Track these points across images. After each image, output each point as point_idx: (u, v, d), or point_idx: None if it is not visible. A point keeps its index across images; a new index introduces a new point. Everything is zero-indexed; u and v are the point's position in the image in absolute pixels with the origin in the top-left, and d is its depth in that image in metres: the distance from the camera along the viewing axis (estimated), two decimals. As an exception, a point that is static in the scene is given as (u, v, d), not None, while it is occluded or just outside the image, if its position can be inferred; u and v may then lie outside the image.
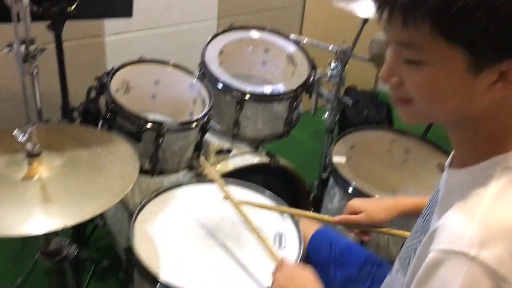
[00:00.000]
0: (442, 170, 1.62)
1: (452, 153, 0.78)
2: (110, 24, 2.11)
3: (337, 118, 1.92)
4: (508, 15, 0.57)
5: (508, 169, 0.66)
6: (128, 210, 1.55)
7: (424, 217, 0.82)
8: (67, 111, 1.59)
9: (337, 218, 1.18)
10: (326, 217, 1.22)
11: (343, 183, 1.53)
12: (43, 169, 1.00)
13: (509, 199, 0.63)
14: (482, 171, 0.67)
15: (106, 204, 0.97)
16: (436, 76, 0.64)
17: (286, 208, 1.31)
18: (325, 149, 1.98)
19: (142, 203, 1.28)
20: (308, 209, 1.79)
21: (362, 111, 2.74)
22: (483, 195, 0.64)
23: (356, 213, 1.17)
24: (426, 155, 1.70)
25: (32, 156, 1.00)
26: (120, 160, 1.09)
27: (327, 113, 1.92)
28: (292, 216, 1.30)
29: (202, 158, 1.49)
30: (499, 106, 0.66)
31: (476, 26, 0.58)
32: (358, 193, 1.49)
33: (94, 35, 2.09)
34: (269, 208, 1.32)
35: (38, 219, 0.92)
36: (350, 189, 1.51)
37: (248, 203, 1.27)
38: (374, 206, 1.17)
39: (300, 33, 2.88)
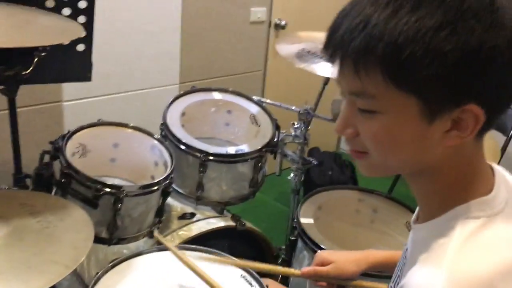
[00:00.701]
0: (409, 229, 1.61)
1: (417, 209, 0.76)
2: (69, 89, 2.07)
3: (302, 179, 1.90)
4: (457, 60, 0.56)
5: (470, 219, 0.63)
6: (84, 284, 1.43)
7: (395, 280, 0.78)
8: (19, 179, 1.49)
9: (305, 270, 1.13)
10: (293, 270, 1.17)
11: (312, 246, 1.47)
12: (-15, 240, 0.91)
13: (473, 250, 0.61)
14: (444, 223, 0.65)
15: (55, 278, 0.88)
16: (391, 125, 0.62)
17: (252, 263, 1.25)
18: (292, 210, 1.93)
19: (97, 276, 1.18)
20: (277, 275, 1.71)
21: (327, 172, 2.73)
22: (446, 247, 0.61)
23: (324, 264, 1.12)
24: (393, 214, 1.67)
25: (-28, 226, 0.91)
26: (73, 228, 1.01)
27: (292, 174, 1.90)
28: (262, 285, 1.22)
29: (155, 232, 1.42)
30: (457, 155, 0.65)
31: (425, 73, 0.57)
32: (328, 255, 1.43)
33: (51, 101, 2.04)
34: (235, 264, 1.25)
35: (-23, 298, 0.82)
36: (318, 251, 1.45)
37: (210, 259, 1.22)
38: (344, 258, 1.12)
39: (263, 97, 2.92)
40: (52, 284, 0.87)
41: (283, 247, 1.97)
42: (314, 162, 1.83)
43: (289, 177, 1.89)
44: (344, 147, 3.63)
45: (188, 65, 2.50)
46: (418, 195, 0.72)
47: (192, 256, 1.26)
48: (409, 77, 0.58)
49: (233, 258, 1.28)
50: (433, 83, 0.58)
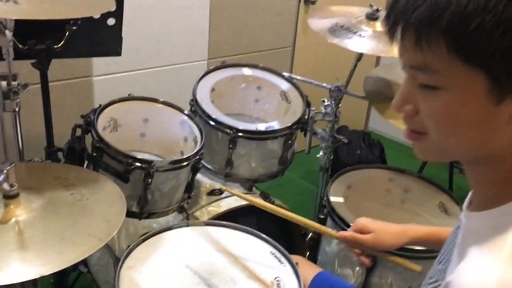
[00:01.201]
0: (443, 210, 1.57)
1: (470, 193, 0.71)
2: (99, 64, 2.08)
3: (331, 157, 1.87)
4: None
5: None
6: (114, 256, 1.45)
7: (441, 262, 0.74)
8: (51, 152, 1.51)
9: (343, 233, 1.11)
10: (330, 230, 1.14)
11: (342, 224, 1.45)
12: (21, 211, 0.93)
13: None
14: (503, 216, 0.60)
15: (88, 250, 0.88)
16: (454, 103, 0.57)
17: (290, 213, 1.23)
18: (320, 189, 1.91)
19: (129, 249, 1.19)
20: (304, 252, 1.71)
21: (355, 151, 2.70)
22: (502, 246, 0.57)
23: (363, 232, 1.09)
24: (425, 194, 1.64)
25: (8, 197, 0.92)
26: (105, 201, 1.02)
27: (321, 152, 1.87)
28: (291, 262, 1.21)
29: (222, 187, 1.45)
30: None
31: (496, 46, 0.52)
32: (358, 235, 1.41)
33: (82, 75, 2.05)
34: (273, 211, 1.24)
35: (14, 267, 0.83)
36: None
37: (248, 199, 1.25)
38: (384, 229, 1.09)
39: (291, 73, 2.88)
40: (85, 256, 0.88)
41: (311, 225, 1.96)
42: (345, 140, 1.80)
43: (318, 155, 1.87)
44: (373, 125, 3.57)
45: (217, 41, 2.48)
46: (474, 182, 0.67)
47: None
48: (477, 50, 0.53)
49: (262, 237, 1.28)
50: (504, 58, 0.53)
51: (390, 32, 0.61)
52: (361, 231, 1.11)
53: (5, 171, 0.90)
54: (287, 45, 2.87)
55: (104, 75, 2.12)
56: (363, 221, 1.13)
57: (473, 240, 0.61)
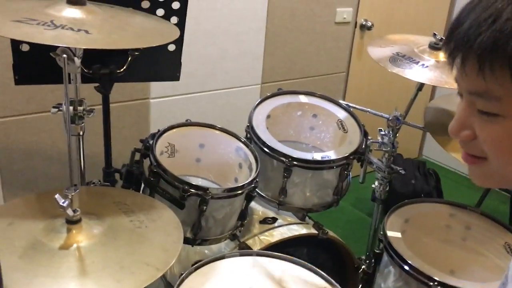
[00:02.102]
0: (509, 251, 1.48)
1: None
2: (156, 87, 2.12)
3: (387, 188, 1.81)
4: None
5: None
6: (165, 281, 1.45)
7: None
8: (109, 173, 1.54)
9: None
10: None
11: (399, 261, 1.39)
12: (82, 237, 0.94)
13: None
14: None
15: (146, 279, 0.88)
16: None
17: None
18: (375, 220, 1.85)
19: (182, 277, 1.18)
20: (357, 287, 1.65)
21: (409, 181, 2.61)
22: None
23: None
24: (488, 232, 1.55)
25: (72, 223, 0.93)
26: (163, 229, 1.02)
27: (376, 182, 1.82)
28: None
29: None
30: None
31: None
32: (417, 273, 1.35)
33: (139, 97, 2.10)
34: None
35: (73, 294, 0.84)
36: (407, 268, 1.37)
37: None
38: None
39: (344, 99, 2.84)
40: (143, 286, 0.87)
41: (363, 257, 1.90)
42: (402, 171, 1.74)
43: (373, 186, 1.82)
44: (427, 153, 3.46)
45: (271, 66, 2.48)
46: None
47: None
48: None
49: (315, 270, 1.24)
50: None
51: (450, 58, 0.59)
52: None
53: (70, 196, 0.92)
54: (341, 71, 2.84)
55: (161, 97, 2.16)
56: None
57: None
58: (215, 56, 2.26)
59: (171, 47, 1.54)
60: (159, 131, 1.42)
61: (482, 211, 1.61)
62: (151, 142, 1.37)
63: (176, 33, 1.25)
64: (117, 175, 1.55)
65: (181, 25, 1.50)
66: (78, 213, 0.94)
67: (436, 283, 1.31)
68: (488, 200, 2.37)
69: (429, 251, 1.51)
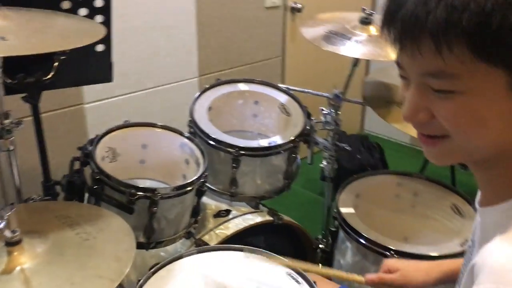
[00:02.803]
0: (456, 211, 1.54)
1: (480, 192, 0.71)
2: (89, 91, 2.03)
3: (336, 166, 1.83)
4: None
5: None
6: (123, 290, 1.39)
7: (458, 283, 0.72)
8: (49, 186, 1.46)
9: (369, 277, 1.06)
10: (357, 277, 1.10)
11: (355, 236, 1.41)
12: (25, 258, 0.87)
13: None
14: None
15: (101, 292, 0.83)
16: (475, 103, 0.56)
17: (318, 268, 1.19)
18: (328, 199, 1.87)
19: (140, 283, 1.14)
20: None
21: (355, 156, 2.66)
22: None
23: (390, 272, 1.05)
24: (436, 197, 1.60)
25: (11, 244, 0.87)
26: (113, 238, 0.97)
27: (324, 161, 1.83)
28: (309, 282, 1.17)
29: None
30: None
31: None
32: (373, 245, 1.37)
33: (72, 104, 2.00)
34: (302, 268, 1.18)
35: (22, 320, 0.78)
36: (363, 241, 1.40)
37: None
38: (412, 266, 1.04)
39: (283, 83, 2.85)
40: (99, 300, 0.82)
41: (320, 237, 1.92)
42: (348, 147, 1.76)
43: (321, 165, 1.83)
44: (368, 128, 3.54)
45: (206, 57, 2.44)
46: (487, 178, 0.66)
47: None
48: (500, 48, 0.51)
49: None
50: None
51: (397, 42, 0.57)
52: (389, 271, 1.06)
53: (5, 217, 0.85)
54: (277, 55, 2.84)
55: (95, 101, 2.08)
56: (390, 262, 1.09)
57: (494, 230, 0.60)
58: (147, 53, 2.19)
59: (100, 47, 1.47)
60: (97, 136, 1.36)
61: (428, 177, 1.66)
62: (90, 148, 1.31)
63: (102, 32, 1.18)
64: (58, 188, 1.47)
65: (107, 23, 1.43)
66: (17, 233, 0.87)
67: (392, 252, 1.34)
68: (431, 165, 2.46)
69: (382, 222, 1.55)
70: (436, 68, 0.55)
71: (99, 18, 1.41)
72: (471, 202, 1.53)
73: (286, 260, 1.19)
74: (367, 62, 3.25)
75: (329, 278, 1.22)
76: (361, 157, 2.62)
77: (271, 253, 1.22)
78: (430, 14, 0.52)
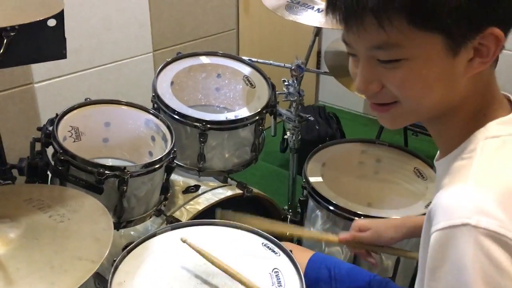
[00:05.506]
0: (419, 175, 1.59)
1: (438, 152, 0.78)
2: (39, 69, 1.92)
3: (299, 137, 1.85)
4: None
5: (489, 139, 0.65)
6: (94, 273, 1.36)
7: None
8: (4, 170, 1.38)
9: (343, 236, 1.11)
10: (331, 236, 1.14)
11: (325, 204, 1.44)
12: (-2, 245, 0.83)
13: (496, 164, 0.63)
14: (464, 148, 0.67)
15: (83, 275, 0.81)
16: (418, 68, 0.64)
17: (292, 229, 1.22)
18: (292, 170, 1.89)
19: (115, 264, 1.11)
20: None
21: (313, 127, 2.69)
22: (469, 166, 0.64)
23: (362, 231, 1.09)
24: (398, 162, 1.65)
25: (-19, 231, 0.82)
26: (89, 218, 0.94)
27: (288, 133, 1.85)
28: (285, 250, 1.18)
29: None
30: (476, 85, 0.67)
31: (449, 7, 0.59)
32: (343, 211, 1.40)
33: (21, 84, 1.89)
34: (272, 230, 1.20)
35: (2, 308, 0.74)
36: (333, 208, 1.43)
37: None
38: (381, 224, 1.11)
39: (238, 55, 2.82)
40: (81, 283, 0.80)
41: (286, 207, 1.95)
42: (311, 118, 1.78)
43: (285, 137, 1.85)
44: (323, 99, 3.59)
45: (160, 32, 2.37)
46: (438, 134, 0.74)
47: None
48: (434, 15, 0.59)
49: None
50: (457, 16, 0.59)
51: (343, 23, 0.64)
52: (360, 231, 1.12)
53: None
54: (231, 28, 2.80)
55: (46, 80, 1.97)
56: (360, 222, 1.15)
57: (444, 177, 0.68)
58: (99, 28, 2.09)
59: (51, 22, 1.38)
60: (57, 115, 1.29)
61: (390, 143, 1.71)
62: (51, 128, 1.24)
63: (58, 5, 1.11)
64: (14, 171, 1.40)
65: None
66: (-14, 219, 0.82)
67: (362, 217, 1.38)
68: (385, 133, 2.54)
69: (348, 189, 1.58)
70: (381, 41, 0.63)
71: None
72: (432, 165, 1.59)
73: (263, 221, 1.21)
74: (319, 30, 3.26)
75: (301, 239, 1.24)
76: (320, 128, 2.66)
77: (244, 215, 1.23)
78: None
